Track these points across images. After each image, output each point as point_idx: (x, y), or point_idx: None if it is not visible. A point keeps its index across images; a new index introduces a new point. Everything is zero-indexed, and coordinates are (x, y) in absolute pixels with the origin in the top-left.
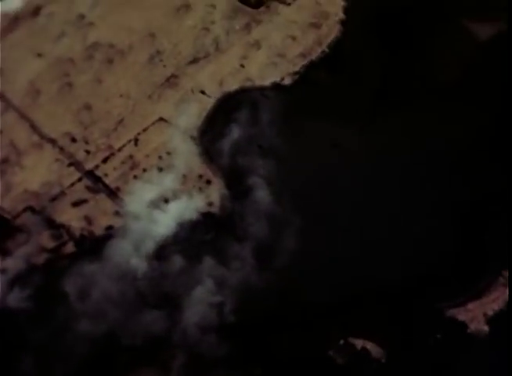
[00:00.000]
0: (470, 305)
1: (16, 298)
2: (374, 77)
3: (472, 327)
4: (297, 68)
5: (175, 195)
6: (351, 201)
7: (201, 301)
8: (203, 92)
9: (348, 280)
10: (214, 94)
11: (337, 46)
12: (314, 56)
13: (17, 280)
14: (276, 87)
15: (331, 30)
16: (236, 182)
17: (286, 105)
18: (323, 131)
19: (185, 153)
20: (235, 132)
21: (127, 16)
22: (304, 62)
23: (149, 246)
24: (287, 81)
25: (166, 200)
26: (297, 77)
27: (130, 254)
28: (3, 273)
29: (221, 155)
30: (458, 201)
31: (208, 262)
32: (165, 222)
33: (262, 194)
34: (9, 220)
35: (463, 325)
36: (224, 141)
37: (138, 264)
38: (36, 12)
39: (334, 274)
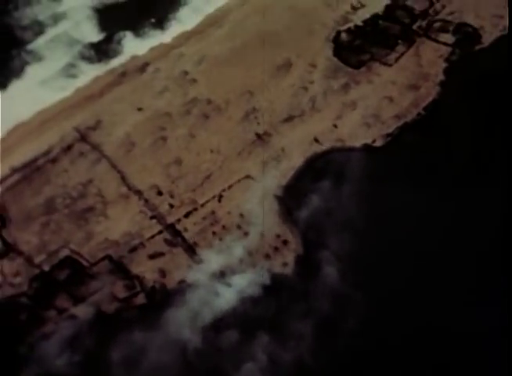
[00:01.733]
0: None
1: (64, 363)
2: (469, 144)
3: None
4: (390, 130)
5: (242, 268)
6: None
7: None
8: (292, 151)
9: (411, 368)
10: (304, 153)
11: (434, 109)
12: (409, 117)
13: (71, 342)
14: (367, 148)
15: (429, 92)
16: (307, 253)
17: (374, 169)
18: (409, 201)
19: (267, 212)
20: (315, 201)
21: (228, 73)
22: (399, 123)
23: (207, 318)
24: (379, 143)
25: (232, 272)
26: (389, 139)
27: (185, 324)
28: (72, 319)
29: (298, 221)
30: None
31: (264, 338)
32: (227, 296)
33: (330, 271)
34: (85, 267)
35: None
36: (303, 208)
37: (192, 335)
38: (143, 68)
39: (396, 360)
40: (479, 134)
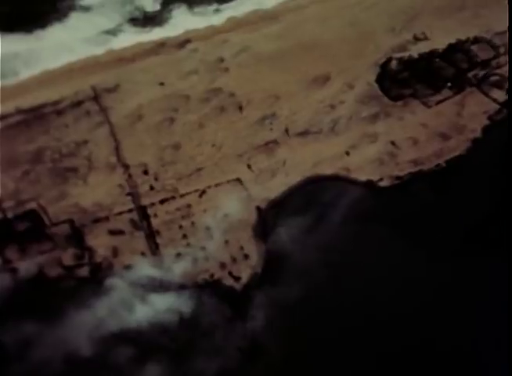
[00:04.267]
0: None
1: None
2: (480, 213)
3: None
4: (402, 173)
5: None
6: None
7: None
8: (293, 167)
9: None
10: (303, 173)
11: (456, 165)
12: (427, 166)
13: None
14: (369, 185)
15: (458, 146)
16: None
17: (367, 210)
18: (394, 258)
19: (242, 220)
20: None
21: (263, 71)
22: (414, 169)
23: (110, 328)
24: (384, 183)
25: (160, 287)
26: (397, 182)
27: (85, 329)
28: (12, 272)
29: (274, 241)
30: None
31: (156, 368)
32: (139, 314)
33: (259, 316)
34: (45, 226)
35: None
36: (283, 229)
37: (86, 342)
38: (182, 44)
39: None
40: (494, 206)
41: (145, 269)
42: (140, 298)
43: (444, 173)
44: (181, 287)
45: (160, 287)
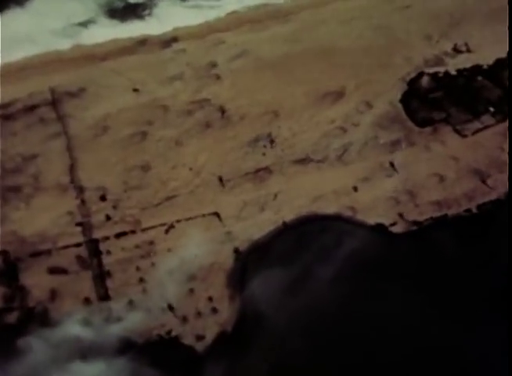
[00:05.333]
0: None
1: None
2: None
3: None
4: (421, 218)
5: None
6: None
7: None
8: (286, 202)
9: None
10: (299, 210)
11: (491, 212)
12: (453, 211)
13: None
14: (379, 230)
15: (496, 189)
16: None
17: (370, 263)
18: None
19: (214, 264)
20: (282, 278)
21: (263, 81)
22: (437, 214)
23: None
24: (398, 229)
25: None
26: (414, 228)
27: None
28: None
29: (251, 294)
30: None
31: None
32: None
33: None
34: None
35: None
36: (264, 280)
37: None
38: (168, 43)
39: None
40: None
41: (79, 322)
42: (58, 367)
43: (474, 221)
44: (119, 351)
45: (91, 351)
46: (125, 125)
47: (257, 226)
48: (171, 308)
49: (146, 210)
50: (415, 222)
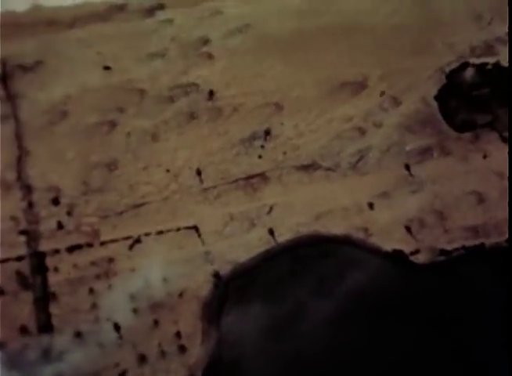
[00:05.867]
0: None
1: None
2: None
3: None
4: (451, 245)
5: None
6: None
7: None
8: (283, 218)
9: None
10: (298, 228)
11: None
12: (493, 239)
13: None
14: (397, 259)
15: None
16: None
17: (383, 300)
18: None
19: (189, 293)
20: (267, 314)
21: (265, 64)
22: (471, 241)
23: None
24: (421, 258)
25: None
26: (441, 258)
27: None
28: None
29: (229, 331)
30: None
31: None
32: None
33: None
34: None
35: None
36: (246, 315)
37: None
38: (151, 11)
39: None
40: None
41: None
42: None
43: None
44: None
45: None
46: (89, 111)
47: (244, 246)
48: (127, 343)
49: (107, 219)
50: (443, 251)
